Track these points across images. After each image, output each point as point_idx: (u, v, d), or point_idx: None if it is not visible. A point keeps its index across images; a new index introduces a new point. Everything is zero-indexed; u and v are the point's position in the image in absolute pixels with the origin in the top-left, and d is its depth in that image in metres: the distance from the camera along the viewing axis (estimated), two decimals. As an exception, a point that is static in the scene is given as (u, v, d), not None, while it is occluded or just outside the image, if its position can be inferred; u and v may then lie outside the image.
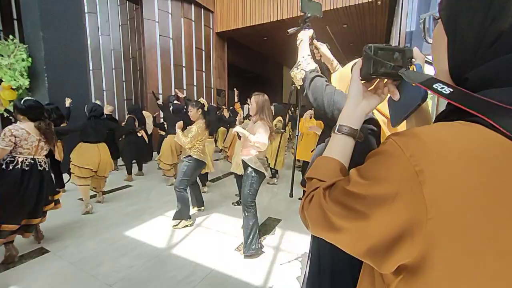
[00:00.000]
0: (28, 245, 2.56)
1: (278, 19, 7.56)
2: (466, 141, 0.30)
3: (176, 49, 7.93)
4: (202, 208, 3.49)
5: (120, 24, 8.88)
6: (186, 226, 3.03)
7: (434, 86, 0.36)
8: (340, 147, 0.54)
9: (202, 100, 4.78)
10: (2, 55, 4.55)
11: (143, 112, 5.90)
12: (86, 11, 8.27)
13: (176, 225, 3.00)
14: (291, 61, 14.06)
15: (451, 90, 0.34)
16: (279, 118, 4.78)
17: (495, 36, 0.32)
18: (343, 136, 0.54)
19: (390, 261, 0.36)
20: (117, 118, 8.46)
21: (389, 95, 0.55)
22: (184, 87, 8.27)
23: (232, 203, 3.83)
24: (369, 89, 0.56)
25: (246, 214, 2.47)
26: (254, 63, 11.63)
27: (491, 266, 0.30)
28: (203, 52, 8.77)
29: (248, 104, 3.22)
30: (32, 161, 2.37)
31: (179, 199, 2.97)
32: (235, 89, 7.45)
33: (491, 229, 0.29)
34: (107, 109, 4.82)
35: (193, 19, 8.31)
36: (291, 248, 2.58)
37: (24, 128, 2.31)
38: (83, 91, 5.56)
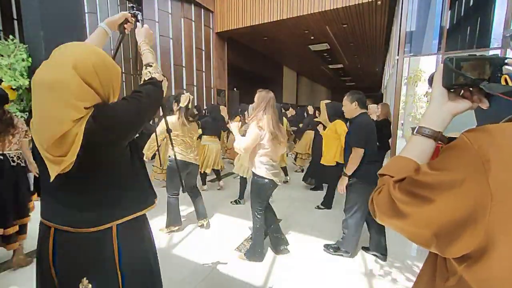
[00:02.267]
0: (28, 245, 2.56)
1: (278, 19, 7.56)
2: None
3: (176, 49, 7.93)
4: (205, 221, 3.06)
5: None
6: (172, 231, 2.92)
7: None
8: (417, 148, 0.55)
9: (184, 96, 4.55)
10: (2, 55, 4.55)
11: None
12: (86, 11, 8.27)
13: (162, 229, 2.94)
14: (291, 61, 14.13)
15: None
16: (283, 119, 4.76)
17: None
18: (422, 137, 0.55)
19: (454, 246, 0.39)
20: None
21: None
22: (184, 87, 8.27)
23: (231, 202, 3.85)
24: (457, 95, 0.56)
25: (255, 218, 2.34)
26: (254, 63, 11.62)
27: None
28: (203, 52, 8.77)
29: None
30: (2, 157, 2.11)
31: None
32: (235, 88, 7.43)
33: None
34: None
35: (193, 19, 8.31)
36: (291, 248, 2.58)
37: None
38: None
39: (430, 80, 0.58)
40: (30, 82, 5.36)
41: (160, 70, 1.08)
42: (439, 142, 0.56)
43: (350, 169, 2.28)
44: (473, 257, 0.38)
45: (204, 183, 4.38)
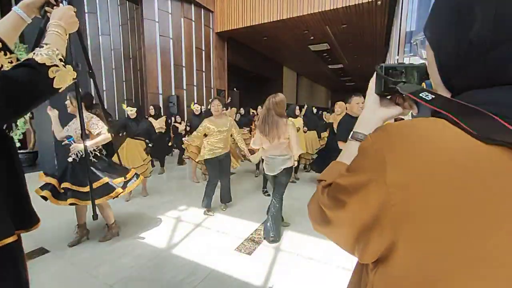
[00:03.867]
0: (28, 245, 2.57)
1: (278, 19, 7.56)
2: (426, 132, 0.34)
3: (176, 49, 7.93)
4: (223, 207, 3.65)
5: (120, 24, 8.89)
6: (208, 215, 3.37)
7: (420, 94, 0.40)
8: (352, 153, 0.55)
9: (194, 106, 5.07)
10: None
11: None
12: (86, 11, 8.27)
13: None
14: (291, 61, 14.15)
15: (433, 96, 0.38)
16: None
17: (466, 46, 0.36)
18: (356, 142, 0.57)
19: (367, 250, 0.39)
20: (117, 118, 8.47)
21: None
22: (184, 87, 8.28)
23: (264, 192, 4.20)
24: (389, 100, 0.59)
25: (278, 202, 2.79)
26: (254, 63, 11.62)
27: (455, 254, 0.31)
28: (203, 52, 8.77)
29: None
30: None
31: None
32: (235, 88, 7.45)
33: (452, 214, 0.30)
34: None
35: (193, 19, 8.32)
36: (291, 248, 2.58)
37: None
38: (83, 91, 5.55)
39: None
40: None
41: (57, 54, 0.83)
42: None
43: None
44: (382, 261, 0.38)
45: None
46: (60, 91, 0.86)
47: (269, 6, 7.69)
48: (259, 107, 6.31)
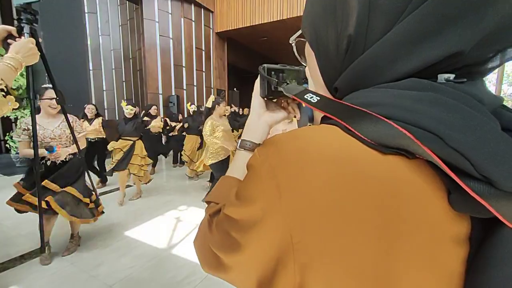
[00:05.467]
0: (28, 245, 2.56)
1: (278, 19, 7.56)
2: (321, 144, 0.27)
3: (176, 49, 7.93)
4: None
5: (120, 24, 8.88)
6: None
7: (305, 96, 0.35)
8: (242, 164, 0.48)
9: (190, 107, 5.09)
10: (2, 55, 4.55)
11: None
12: (86, 11, 8.27)
13: None
14: (291, 61, 14.20)
15: (318, 98, 0.34)
16: None
17: (346, 43, 0.31)
18: (245, 151, 0.51)
19: None
20: (117, 118, 8.47)
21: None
22: (184, 87, 8.28)
23: None
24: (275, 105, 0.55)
25: None
26: (254, 63, 11.63)
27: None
28: (203, 52, 8.77)
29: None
30: None
31: None
32: (235, 88, 7.46)
33: (358, 246, 0.24)
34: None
35: (193, 19, 8.32)
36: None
37: None
38: (83, 91, 5.56)
39: None
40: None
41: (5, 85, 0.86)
42: None
43: None
44: None
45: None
46: None
47: (269, 6, 7.68)
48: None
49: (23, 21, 1.14)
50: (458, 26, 0.25)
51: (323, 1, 0.34)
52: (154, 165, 5.51)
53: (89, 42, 8.30)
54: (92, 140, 4.29)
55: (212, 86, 9.27)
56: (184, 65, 8.18)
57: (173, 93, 7.92)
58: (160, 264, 2.31)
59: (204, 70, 8.87)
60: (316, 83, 0.40)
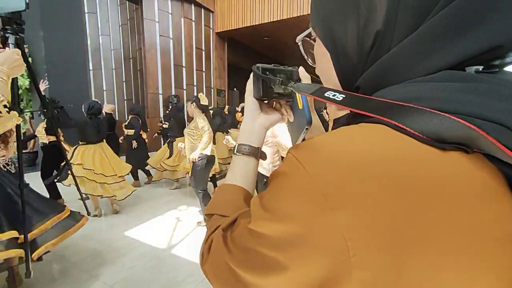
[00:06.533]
0: (28, 245, 2.57)
1: (278, 19, 7.56)
2: (375, 147, 0.25)
3: (176, 49, 7.93)
4: None
5: (120, 24, 8.89)
6: None
7: (325, 94, 0.33)
8: (241, 170, 0.47)
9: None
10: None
11: None
12: (86, 11, 8.27)
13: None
14: (291, 61, 14.15)
15: (344, 96, 0.32)
16: None
17: (372, 39, 0.30)
18: (244, 156, 0.48)
19: None
20: (117, 118, 8.46)
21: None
22: (184, 87, 8.28)
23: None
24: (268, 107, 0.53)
25: None
26: (254, 63, 11.53)
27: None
28: (203, 52, 8.77)
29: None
30: None
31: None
32: (235, 88, 7.44)
33: (417, 245, 0.22)
34: (107, 108, 4.50)
35: (193, 19, 8.32)
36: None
37: None
38: (83, 91, 5.56)
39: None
40: (30, 82, 5.36)
41: (1, 101, 0.84)
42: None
43: None
44: None
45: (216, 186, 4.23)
46: None
47: (269, 6, 7.68)
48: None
49: (8, 31, 1.09)
50: (503, 17, 0.24)
51: None
52: (135, 178, 4.75)
53: (89, 42, 8.30)
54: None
55: (212, 86, 9.27)
56: (184, 65, 8.18)
57: (173, 93, 7.92)
58: (160, 264, 2.31)
59: (204, 70, 8.87)
60: (327, 82, 0.39)
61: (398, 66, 0.29)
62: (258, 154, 0.49)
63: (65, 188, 3.31)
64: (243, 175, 0.47)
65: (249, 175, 0.48)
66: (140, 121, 4.69)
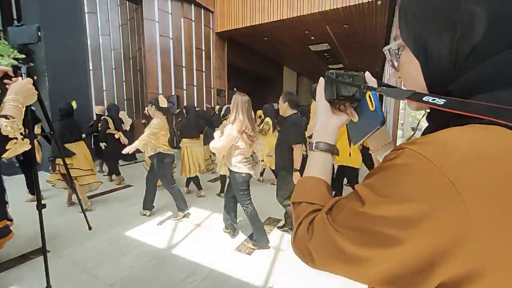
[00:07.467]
0: (28, 245, 2.57)
1: (278, 19, 7.55)
2: (492, 142, 0.30)
3: (176, 49, 7.92)
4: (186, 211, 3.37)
5: (120, 24, 8.89)
6: (184, 217, 3.28)
7: (424, 99, 0.37)
8: (320, 165, 0.53)
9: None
10: (2, 55, 4.55)
11: (121, 113, 5.49)
12: (86, 11, 8.27)
13: (176, 217, 3.27)
14: (291, 61, 14.14)
15: (444, 100, 0.35)
16: (267, 119, 4.72)
17: (469, 50, 0.34)
18: (322, 152, 0.53)
19: (428, 284, 0.32)
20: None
21: None
22: (184, 87, 8.28)
23: (217, 194, 4.14)
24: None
25: (245, 209, 2.60)
26: (254, 63, 11.61)
27: None
28: (203, 52, 8.76)
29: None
30: None
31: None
32: (235, 88, 7.43)
33: None
34: (97, 109, 4.87)
35: (193, 19, 8.31)
36: (291, 248, 2.58)
37: None
38: (83, 91, 5.55)
39: (313, 92, 0.59)
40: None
41: (20, 129, 0.91)
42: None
43: (299, 163, 2.51)
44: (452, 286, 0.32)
45: (200, 188, 4.21)
46: (1, 156, 0.93)
47: (269, 6, 7.68)
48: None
49: (20, 61, 1.15)
50: None
51: (432, 10, 0.37)
52: (115, 173, 5.02)
53: (89, 42, 8.30)
54: None
55: (212, 86, 9.26)
56: (184, 65, 8.18)
57: (173, 93, 7.92)
58: (160, 264, 2.31)
59: (204, 70, 8.87)
60: (411, 86, 0.42)
61: (500, 74, 0.33)
62: (334, 150, 0.54)
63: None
64: (322, 168, 0.53)
65: (327, 169, 0.53)
66: (113, 121, 4.90)
